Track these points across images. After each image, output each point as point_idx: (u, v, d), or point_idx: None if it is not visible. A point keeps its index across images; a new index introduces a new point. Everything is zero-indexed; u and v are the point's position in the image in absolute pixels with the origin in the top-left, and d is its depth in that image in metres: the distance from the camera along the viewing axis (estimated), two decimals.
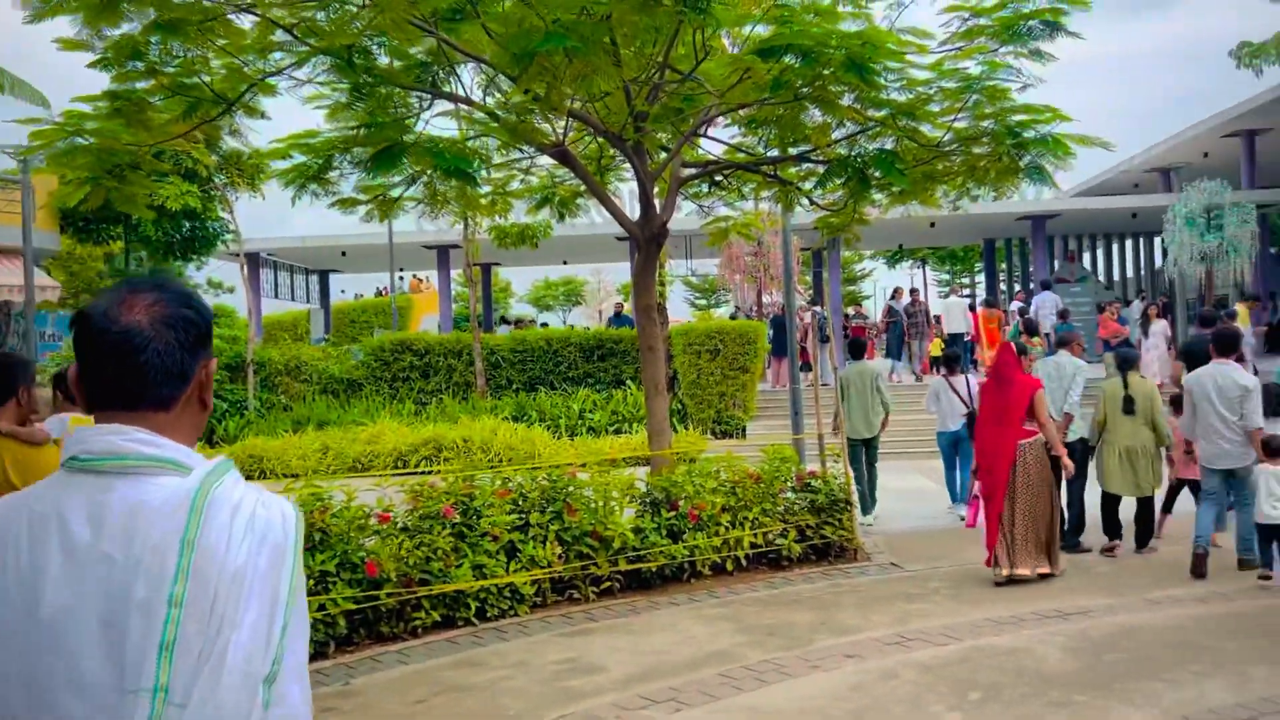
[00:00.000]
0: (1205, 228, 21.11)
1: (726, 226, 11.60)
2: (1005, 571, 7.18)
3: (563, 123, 7.72)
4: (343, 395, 18.53)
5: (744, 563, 7.77)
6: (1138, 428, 7.89)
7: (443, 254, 28.21)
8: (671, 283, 52.38)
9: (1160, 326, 17.39)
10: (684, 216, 25.00)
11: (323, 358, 19.01)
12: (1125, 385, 7.95)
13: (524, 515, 7.04)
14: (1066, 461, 7.51)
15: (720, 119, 8.71)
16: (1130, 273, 33.96)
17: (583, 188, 10.37)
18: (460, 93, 7.96)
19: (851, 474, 8.75)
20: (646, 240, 7.77)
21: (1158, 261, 31.64)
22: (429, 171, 7.38)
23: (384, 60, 7.39)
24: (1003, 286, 35.05)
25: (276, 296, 29.93)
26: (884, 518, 10.26)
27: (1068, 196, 26.96)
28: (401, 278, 44.02)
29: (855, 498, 8.62)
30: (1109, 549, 8.07)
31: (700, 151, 9.84)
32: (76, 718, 1.25)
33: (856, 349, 11.22)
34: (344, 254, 28.90)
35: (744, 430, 16.95)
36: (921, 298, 21.92)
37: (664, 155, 8.53)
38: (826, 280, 27.34)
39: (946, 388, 10.19)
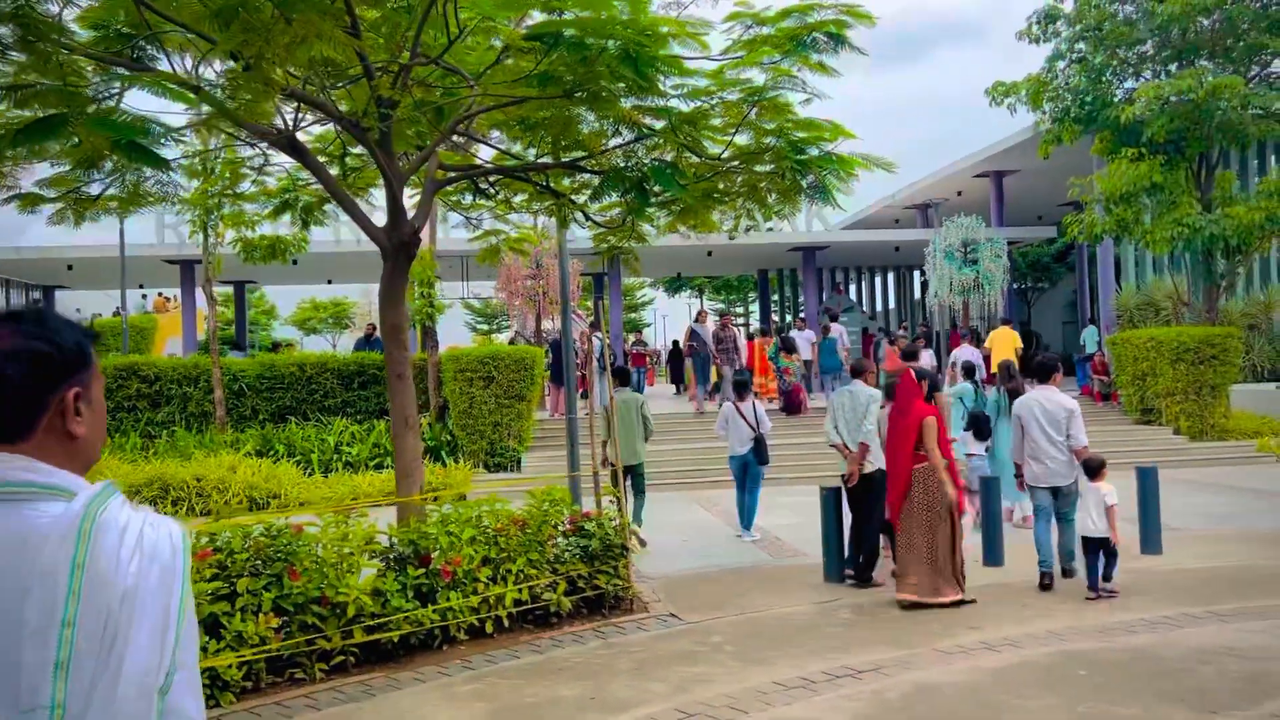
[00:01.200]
0: (962, 261, 22.12)
1: (498, 243, 10.64)
2: (903, 596, 7.23)
3: (292, 108, 6.52)
4: None
5: (506, 623, 6.77)
6: None
7: (186, 269, 25.54)
8: (448, 306, 50.79)
9: (927, 357, 17.85)
10: (455, 233, 23.86)
11: None
12: None
13: (231, 581, 5.74)
14: (952, 493, 7.29)
15: (486, 121, 7.77)
16: (893, 303, 35.63)
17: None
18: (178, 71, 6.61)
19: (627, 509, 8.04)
20: (394, 249, 6.68)
21: (917, 293, 33.38)
22: (114, 157, 5.98)
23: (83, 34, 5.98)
24: (775, 315, 35.96)
25: None
26: (662, 556, 9.55)
27: (836, 230, 27.83)
28: (145, 295, 40.13)
29: (632, 541, 7.81)
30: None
31: (467, 155, 8.85)
32: None
33: (622, 376, 11.16)
34: (70, 268, 25.67)
35: (519, 463, 15.95)
36: (732, 322, 20.67)
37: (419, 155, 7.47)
38: (607, 306, 26.89)
39: (735, 413, 10.28)
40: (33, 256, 24.51)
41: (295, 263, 25.60)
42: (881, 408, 8.27)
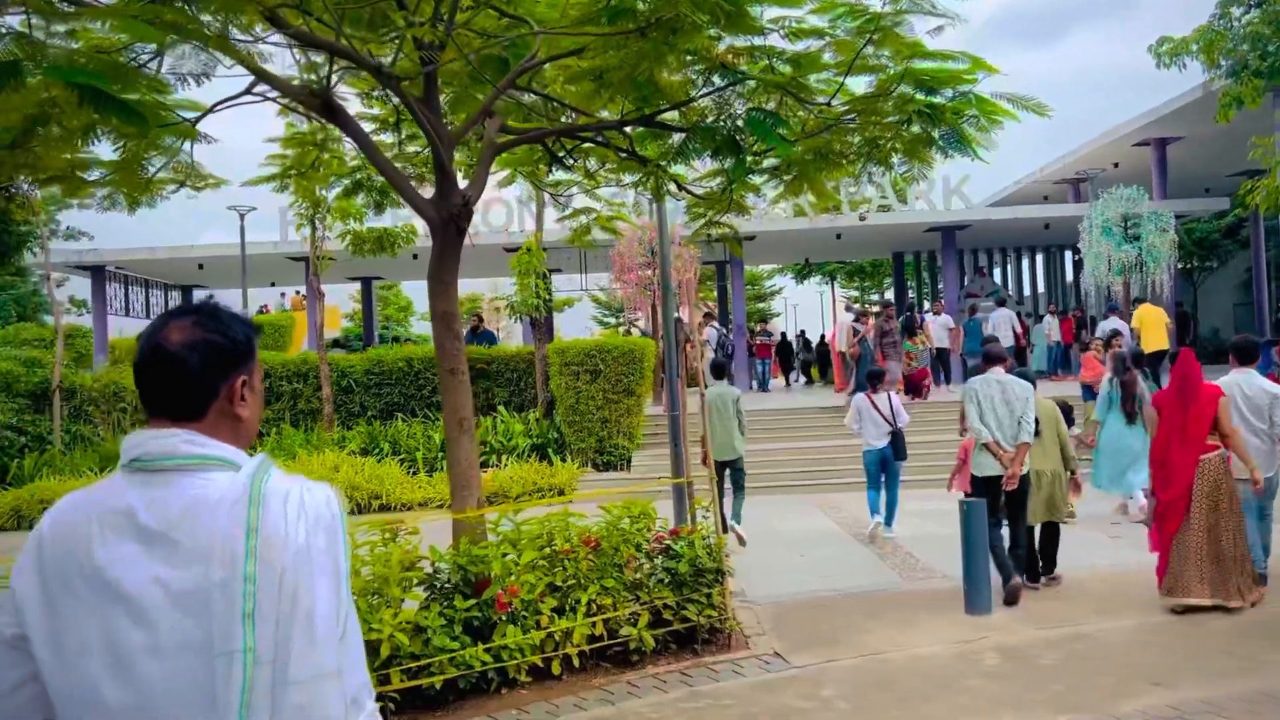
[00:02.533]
0: (1122, 236, 19.94)
1: (589, 221, 9.62)
2: (1179, 600, 6.60)
3: (323, 60, 5.61)
4: None
5: (577, 662, 5.72)
6: (1046, 450, 7.42)
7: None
8: (575, 300, 50.46)
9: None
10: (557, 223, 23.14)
11: None
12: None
13: None
14: (1258, 476, 6.68)
15: (554, 73, 6.73)
16: (1041, 286, 33.04)
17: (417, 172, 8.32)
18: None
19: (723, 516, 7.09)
20: (443, 223, 5.71)
21: (1069, 274, 30.83)
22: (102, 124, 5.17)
23: None
24: (914, 299, 33.90)
25: (128, 314, 26.97)
26: (771, 574, 8.35)
27: (978, 208, 25.78)
28: (283, 294, 41.05)
29: (730, 540, 6.66)
30: (1030, 585, 7.49)
31: (540, 117, 7.84)
32: (155, 677, 1.44)
33: (717, 370, 10.78)
34: (201, 267, 26.15)
35: (629, 462, 14.95)
36: (894, 314, 18.47)
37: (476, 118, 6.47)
38: (708, 297, 25.69)
39: (869, 406, 9.88)
40: (165, 257, 25.01)
41: (415, 257, 25.49)
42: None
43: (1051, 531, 7.60)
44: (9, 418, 14.92)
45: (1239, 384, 7.12)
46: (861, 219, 23.93)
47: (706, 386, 9.75)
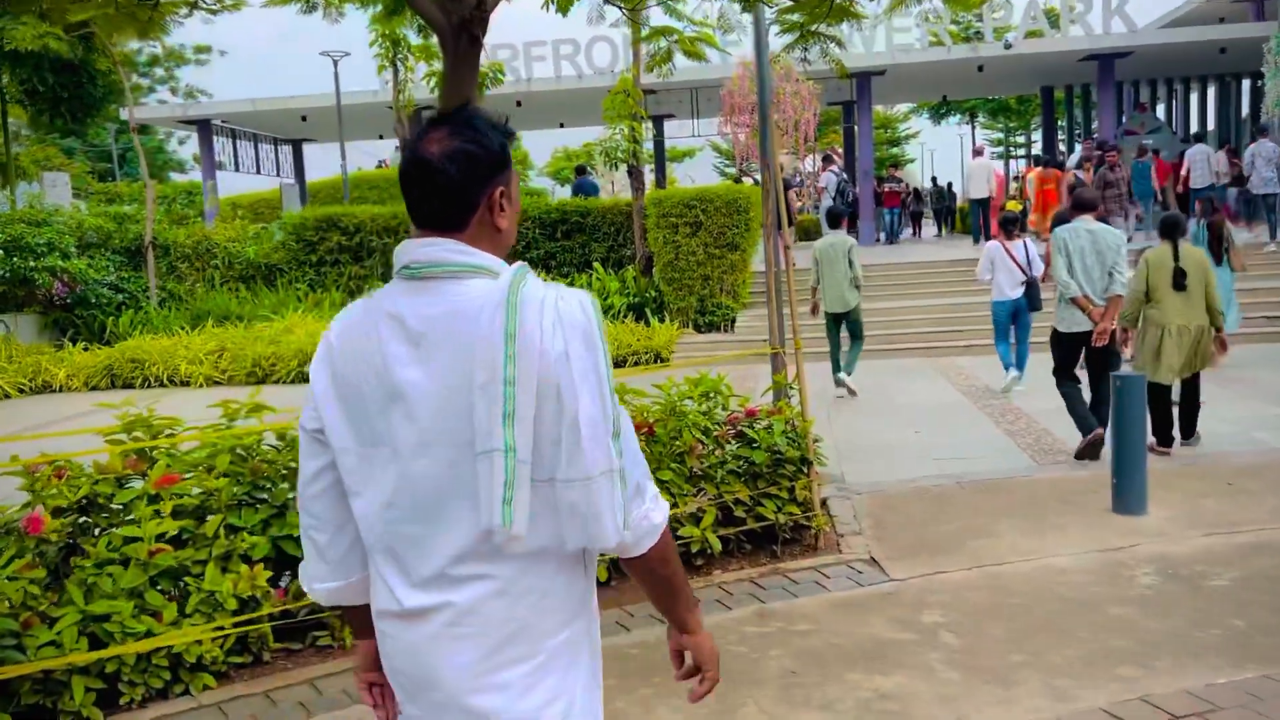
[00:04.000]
0: None
1: (670, 45, 8.24)
2: None
3: None
4: (260, 283, 15.59)
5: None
6: (1191, 305, 6.67)
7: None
8: (696, 150, 48.34)
9: None
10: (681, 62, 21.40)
11: (238, 239, 15.99)
12: (1175, 255, 6.68)
13: (203, 517, 4.07)
14: None
15: None
16: (1212, 123, 29.46)
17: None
18: None
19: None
20: (454, 31, 4.53)
21: (1245, 108, 27.29)
22: None
23: None
24: (1062, 144, 30.83)
25: (238, 170, 26.86)
26: (878, 454, 7.23)
27: (1142, 31, 22.65)
28: (398, 147, 40.49)
29: (819, 451, 5.54)
30: (1161, 450, 6.80)
31: None
32: (425, 470, 1.53)
33: (833, 218, 10.22)
34: (304, 119, 25.60)
35: (733, 322, 13.82)
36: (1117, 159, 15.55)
37: None
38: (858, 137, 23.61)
39: (1003, 253, 9.33)
40: (267, 109, 24.52)
41: (519, 104, 24.23)
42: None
43: (1193, 389, 6.97)
44: (105, 275, 14.77)
45: None
46: (1007, 47, 21.35)
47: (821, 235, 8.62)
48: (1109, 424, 5.85)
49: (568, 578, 1.58)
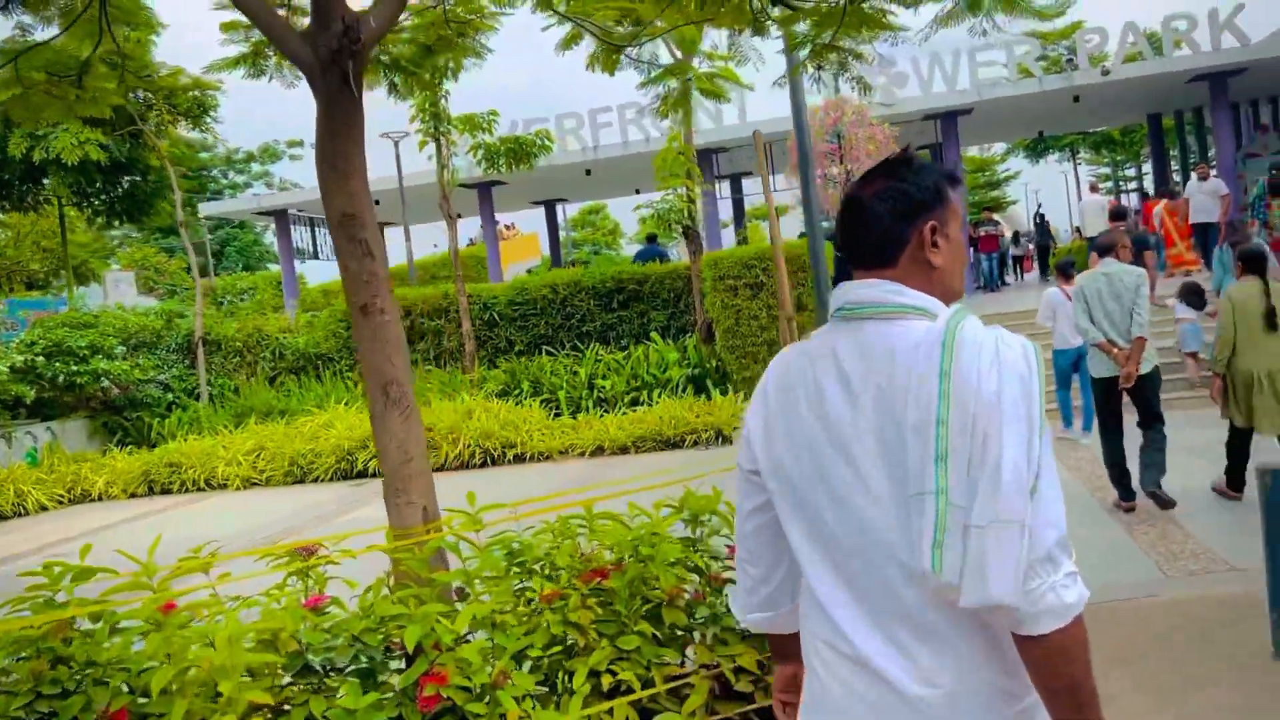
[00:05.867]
0: None
1: (687, 83, 7.15)
2: None
3: None
4: (310, 374, 14.95)
5: None
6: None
7: (483, 192, 24.36)
8: (786, 209, 47.62)
9: None
10: (730, 115, 20.20)
11: (290, 329, 15.44)
12: (1267, 293, 6.20)
13: None
14: None
15: None
16: None
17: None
18: None
19: None
20: (323, 65, 3.50)
21: None
22: None
23: None
24: (1176, 174, 28.53)
25: (317, 257, 26.84)
26: None
27: (1259, 44, 20.61)
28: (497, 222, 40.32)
29: None
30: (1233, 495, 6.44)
31: None
32: (864, 511, 1.52)
33: None
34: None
35: None
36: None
37: None
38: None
39: (1064, 300, 8.85)
40: (314, 197, 24.37)
41: (589, 173, 23.51)
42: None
43: None
44: (152, 374, 14.33)
45: None
46: (1105, 73, 19.67)
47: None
48: (1263, 537, 4.33)
49: (991, 634, 1.50)
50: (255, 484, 12.14)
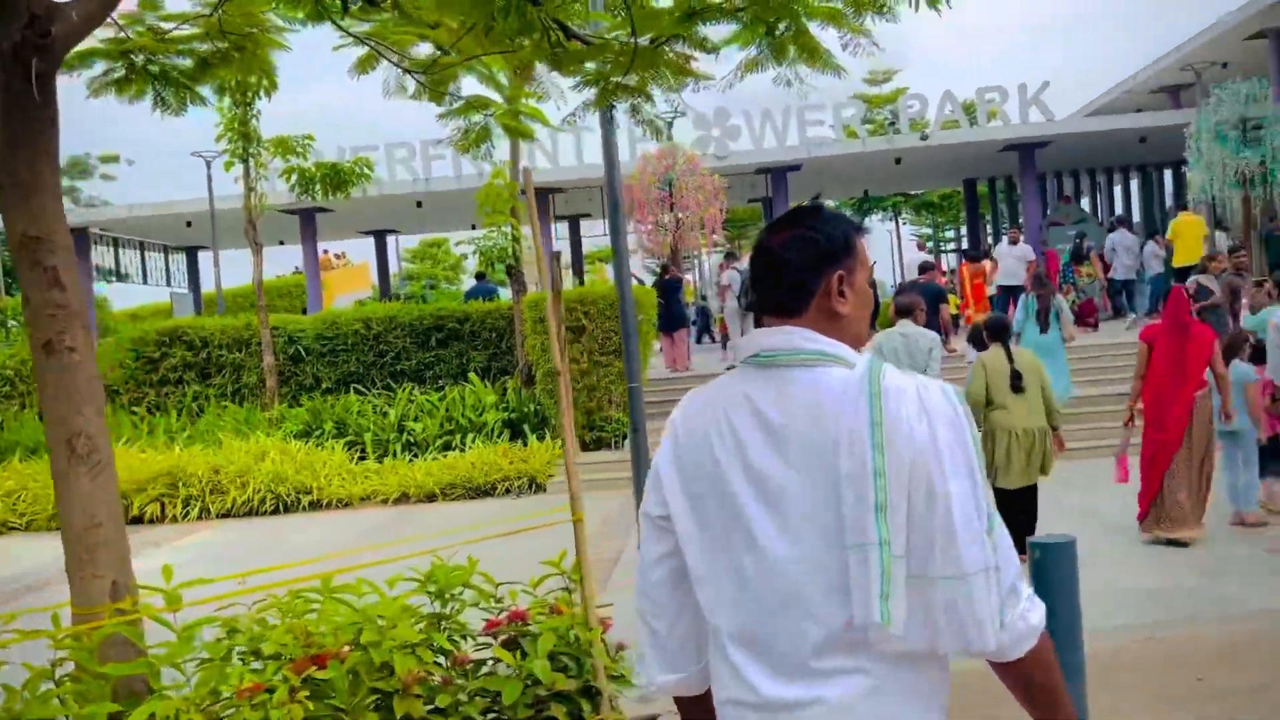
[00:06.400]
0: (1240, 141, 16.30)
1: (486, 121, 6.76)
2: (1162, 534, 6.82)
3: None
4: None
5: None
6: (1032, 406, 6.62)
7: (306, 218, 23.30)
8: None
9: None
10: (590, 156, 20.09)
11: None
12: (1009, 357, 6.68)
13: None
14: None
15: None
16: (1138, 215, 29.06)
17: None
18: None
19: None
20: (5, 59, 2.96)
21: (1169, 198, 26.88)
22: None
23: None
24: (990, 238, 30.18)
25: (119, 279, 24.99)
26: None
27: (1062, 120, 22.05)
28: (326, 251, 38.78)
29: (624, 668, 3.84)
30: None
31: None
32: (787, 559, 1.49)
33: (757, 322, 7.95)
34: (189, 224, 23.92)
35: (625, 437, 12.17)
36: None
37: None
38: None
39: None
40: (148, 214, 22.85)
41: (420, 204, 22.77)
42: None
43: (1031, 495, 6.71)
44: None
45: None
46: (923, 138, 20.59)
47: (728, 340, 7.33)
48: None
49: (930, 676, 1.52)
50: (14, 528, 10.91)
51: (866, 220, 40.37)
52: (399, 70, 6.17)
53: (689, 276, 34.10)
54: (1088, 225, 23.22)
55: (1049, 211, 24.41)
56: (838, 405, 1.47)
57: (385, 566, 3.64)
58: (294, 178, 13.70)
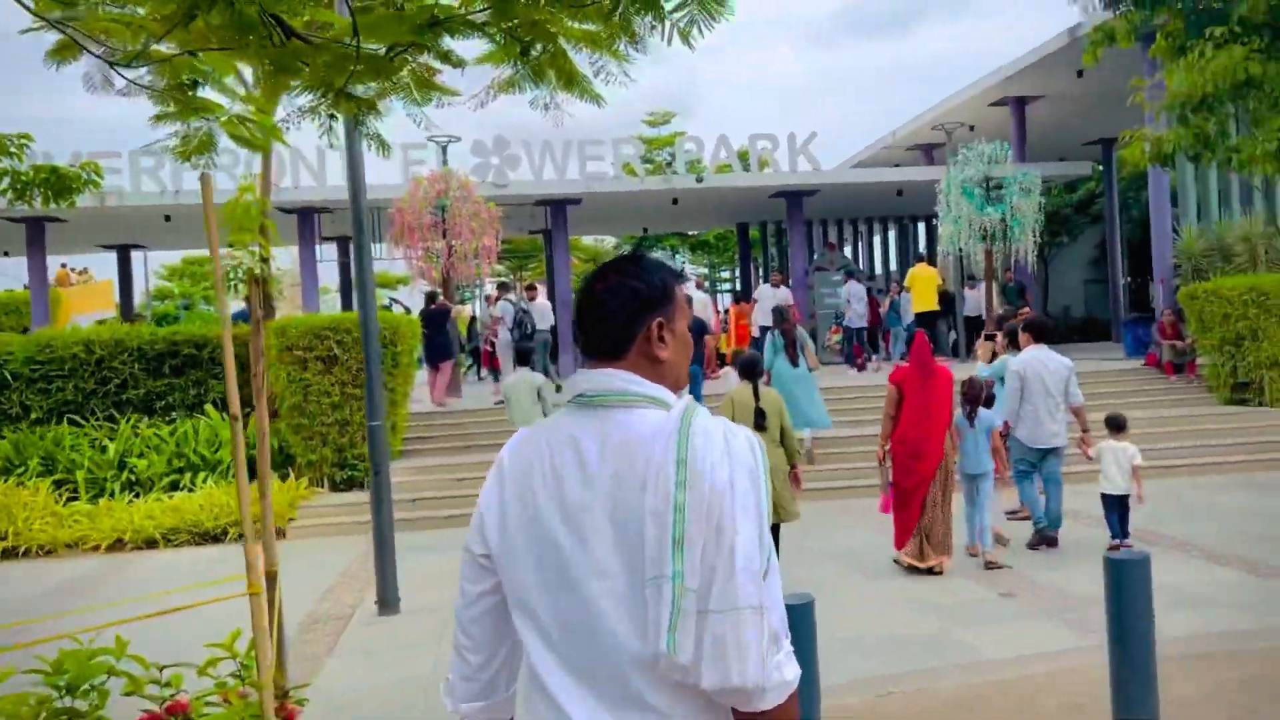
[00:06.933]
0: (984, 199, 17.51)
1: (208, 128, 6.02)
2: (920, 563, 7.23)
3: None
4: None
5: None
6: (771, 445, 6.81)
7: (34, 228, 20.92)
8: (407, 279, 46.36)
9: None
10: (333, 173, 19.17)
11: None
12: (756, 394, 6.87)
13: None
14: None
15: None
16: (894, 263, 30.95)
17: None
18: None
19: None
20: None
21: (922, 247, 28.75)
22: None
23: None
24: (762, 280, 31.23)
25: None
26: None
27: (828, 172, 23.08)
28: (65, 265, 35.09)
29: None
30: None
31: None
32: (596, 595, 1.54)
33: (521, 356, 9.82)
34: None
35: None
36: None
37: None
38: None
39: None
40: None
41: (168, 219, 20.90)
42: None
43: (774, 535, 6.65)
44: None
45: (1039, 359, 7.98)
46: (699, 180, 20.94)
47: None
48: None
49: (714, 715, 1.55)
50: None
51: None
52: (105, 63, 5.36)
53: (471, 308, 33.31)
54: (849, 268, 24.45)
55: (815, 257, 25.51)
56: (649, 444, 1.54)
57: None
58: (5, 181, 12.06)
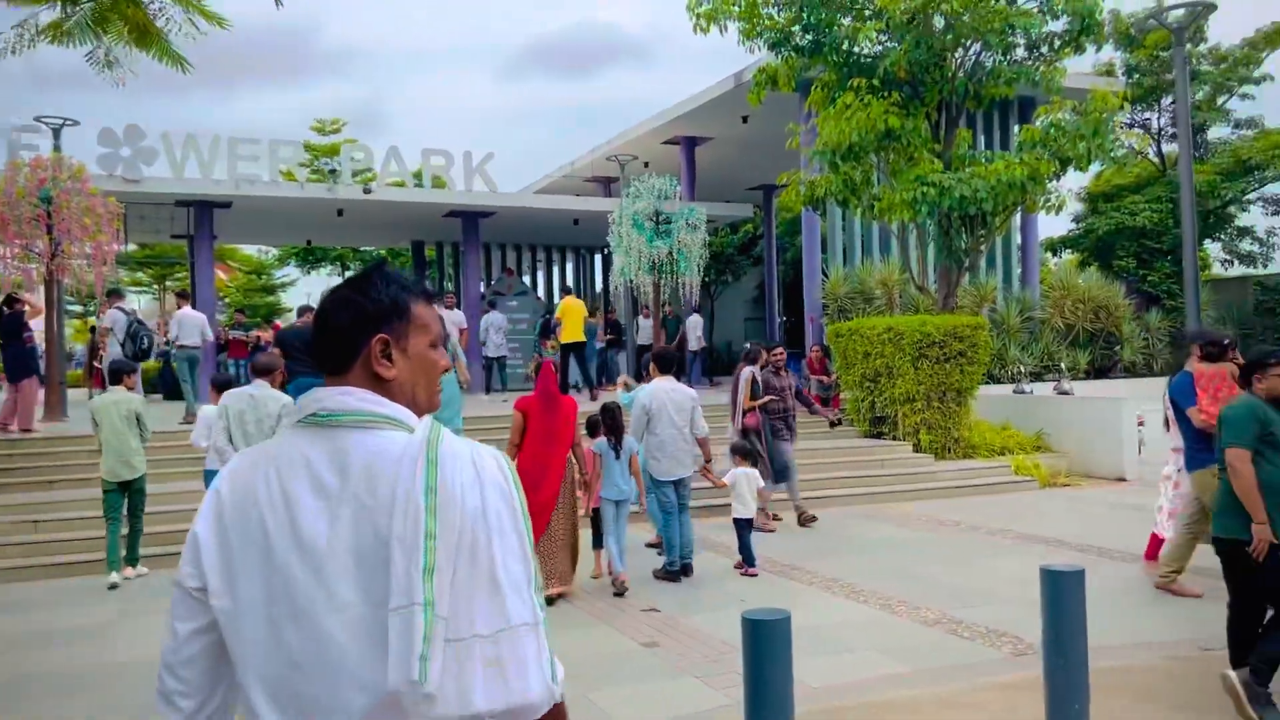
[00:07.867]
0: (654, 232, 17.61)
1: None
2: (558, 590, 7.25)
3: None
4: None
5: None
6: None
7: None
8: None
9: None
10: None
11: None
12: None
13: None
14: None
15: None
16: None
17: None
18: None
19: None
20: None
21: (599, 279, 28.97)
22: None
23: None
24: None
25: None
26: None
27: (505, 194, 22.50)
28: None
29: None
30: None
31: None
32: (333, 628, 1.42)
33: (115, 374, 8.54)
34: None
35: None
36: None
37: None
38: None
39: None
40: None
41: None
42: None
43: None
44: None
45: (665, 390, 7.98)
46: (367, 191, 19.57)
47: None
48: None
49: None
50: None
51: (315, 271, 38.42)
52: None
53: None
54: (528, 299, 24.00)
55: (493, 281, 24.83)
56: (394, 469, 1.47)
57: None
58: None
